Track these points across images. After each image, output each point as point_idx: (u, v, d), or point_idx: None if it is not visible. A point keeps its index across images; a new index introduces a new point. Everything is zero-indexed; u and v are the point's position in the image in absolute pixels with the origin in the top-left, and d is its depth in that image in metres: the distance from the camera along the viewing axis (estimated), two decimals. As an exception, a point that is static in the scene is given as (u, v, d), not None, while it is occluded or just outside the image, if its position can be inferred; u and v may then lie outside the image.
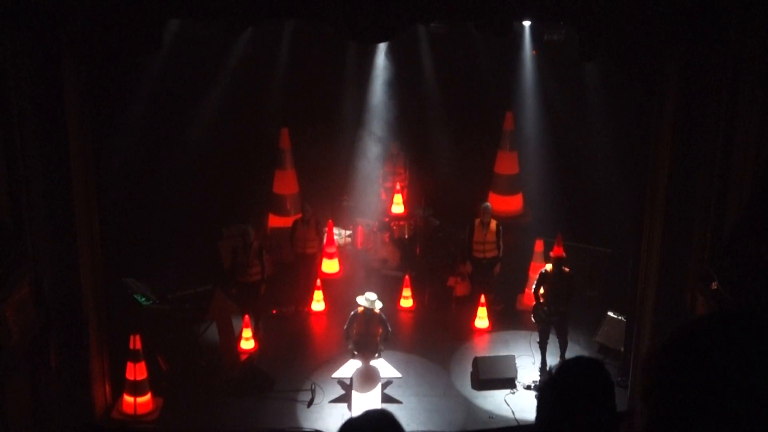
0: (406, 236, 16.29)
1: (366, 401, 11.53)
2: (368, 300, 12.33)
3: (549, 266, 12.58)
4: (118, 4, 10.02)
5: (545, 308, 12.49)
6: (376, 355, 12.26)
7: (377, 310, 12.33)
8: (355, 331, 12.33)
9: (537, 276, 12.79)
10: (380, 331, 12.33)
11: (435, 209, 16.60)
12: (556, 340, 12.78)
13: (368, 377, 11.98)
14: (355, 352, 12.26)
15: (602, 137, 15.26)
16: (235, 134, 16.65)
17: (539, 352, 12.90)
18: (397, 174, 17.03)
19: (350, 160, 17.04)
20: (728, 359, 1.67)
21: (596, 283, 14.63)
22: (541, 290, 12.57)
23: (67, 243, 10.43)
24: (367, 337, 12.30)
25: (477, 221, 14.22)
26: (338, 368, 12.33)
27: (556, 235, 13.12)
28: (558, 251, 12.65)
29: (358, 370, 12.03)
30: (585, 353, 12.71)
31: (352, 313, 12.43)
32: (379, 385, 11.97)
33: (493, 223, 14.22)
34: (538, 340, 12.88)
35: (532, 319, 12.85)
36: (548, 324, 12.62)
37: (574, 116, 16.01)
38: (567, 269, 12.53)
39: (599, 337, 13.48)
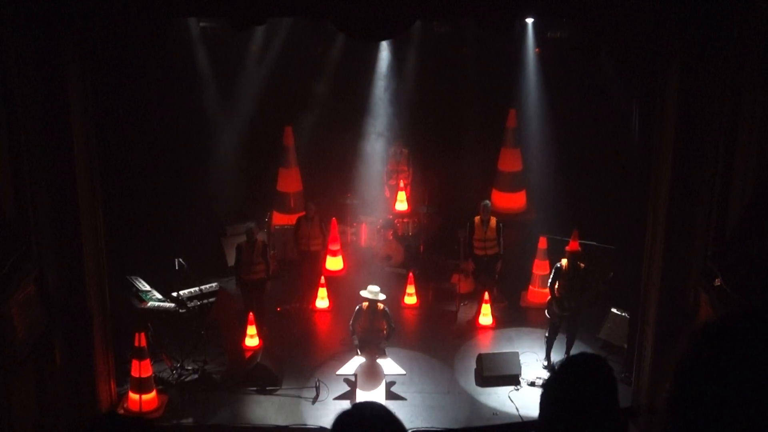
0: (410, 233, 16.32)
1: (371, 398, 11.56)
2: (371, 292, 12.45)
3: (564, 261, 12.60)
4: (122, 3, 10.05)
5: (564, 303, 12.51)
6: (382, 350, 12.33)
7: (381, 305, 12.42)
8: (359, 326, 12.41)
9: (552, 270, 12.83)
10: (384, 326, 12.39)
11: (438, 207, 16.63)
12: (561, 336, 12.83)
13: (373, 375, 12.03)
14: (359, 350, 12.34)
15: (605, 134, 15.25)
16: (238, 132, 16.67)
17: (545, 346, 12.94)
18: (401, 171, 17.05)
19: (354, 158, 17.07)
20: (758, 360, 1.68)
21: (603, 280, 14.62)
22: (556, 285, 12.63)
23: (71, 241, 10.47)
24: (372, 332, 12.38)
25: (477, 219, 14.25)
26: (343, 365, 12.38)
27: (572, 231, 13.12)
28: (574, 245, 12.64)
29: (362, 366, 12.08)
30: (588, 350, 12.74)
31: (357, 308, 12.50)
32: (384, 382, 12.01)
33: (493, 221, 14.24)
34: (546, 334, 12.92)
35: (546, 314, 12.87)
36: (561, 319, 12.66)
37: (577, 113, 16.00)
38: (582, 265, 12.56)
39: (603, 334, 13.50)
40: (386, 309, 12.51)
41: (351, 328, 12.56)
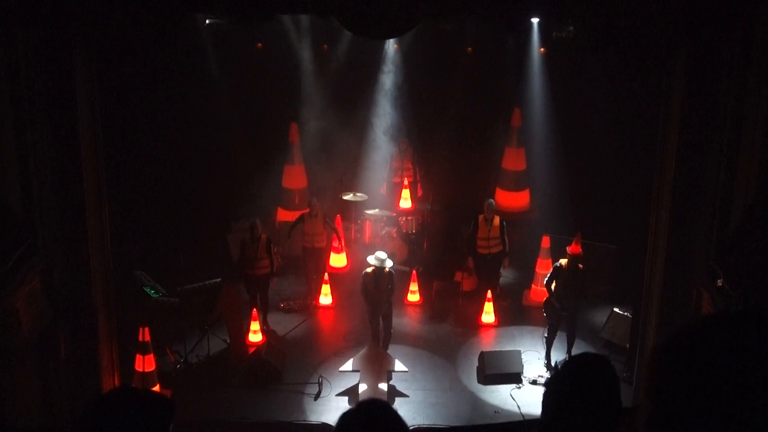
0: (414, 231, 16.34)
1: (373, 395, 11.59)
2: (378, 259, 12.70)
3: (564, 261, 12.61)
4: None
5: (562, 302, 12.53)
6: (388, 313, 12.87)
7: (387, 269, 12.73)
8: (367, 290, 12.78)
9: (551, 270, 12.84)
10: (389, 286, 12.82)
11: (442, 205, 16.65)
12: (562, 335, 12.85)
13: (375, 371, 12.05)
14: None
15: (609, 133, 15.25)
16: (244, 128, 16.70)
17: (545, 346, 12.96)
18: (406, 169, 17.07)
19: (359, 155, 17.08)
20: (732, 359, 1.69)
21: (605, 280, 14.65)
22: (553, 285, 12.62)
23: (77, 236, 10.49)
24: (377, 295, 12.68)
25: (481, 217, 14.29)
26: (345, 362, 12.42)
27: (575, 233, 13.11)
28: (575, 248, 12.63)
29: (364, 363, 12.12)
30: (590, 349, 12.77)
31: (363, 272, 12.80)
32: (386, 379, 12.04)
33: (497, 219, 14.29)
34: (545, 334, 12.94)
35: (543, 313, 12.89)
36: (559, 318, 12.67)
37: (581, 113, 15.99)
38: (581, 266, 12.57)
39: (605, 333, 13.52)
40: (392, 272, 12.87)
41: (363, 291, 12.83)
